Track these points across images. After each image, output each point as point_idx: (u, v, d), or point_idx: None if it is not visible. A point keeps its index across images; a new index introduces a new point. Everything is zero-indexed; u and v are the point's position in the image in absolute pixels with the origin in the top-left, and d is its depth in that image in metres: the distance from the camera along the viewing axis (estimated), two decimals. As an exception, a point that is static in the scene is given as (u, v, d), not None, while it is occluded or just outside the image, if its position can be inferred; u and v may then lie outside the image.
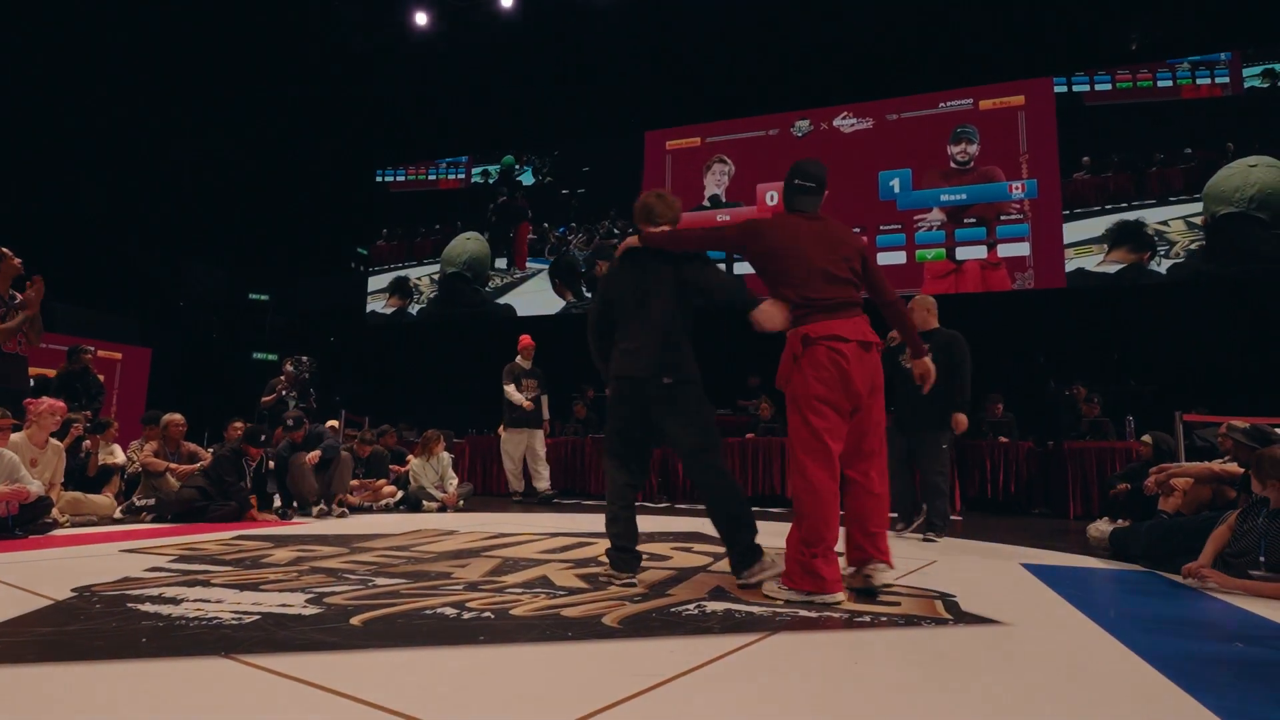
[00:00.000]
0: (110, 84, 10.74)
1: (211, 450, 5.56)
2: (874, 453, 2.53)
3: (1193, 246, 8.49)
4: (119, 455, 5.75)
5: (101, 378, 6.67)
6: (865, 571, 2.47)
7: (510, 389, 7.02)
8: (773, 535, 4.29)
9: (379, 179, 12.83)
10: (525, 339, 7.21)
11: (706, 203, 10.72)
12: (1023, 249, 9.18)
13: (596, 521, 5.07)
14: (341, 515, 5.47)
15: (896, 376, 4.20)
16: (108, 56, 10.51)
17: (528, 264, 11.65)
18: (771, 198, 10.35)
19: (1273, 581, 2.68)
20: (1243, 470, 3.30)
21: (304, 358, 7.51)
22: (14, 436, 4.35)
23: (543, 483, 7.00)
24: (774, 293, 2.63)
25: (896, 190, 9.82)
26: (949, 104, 9.76)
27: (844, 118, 10.20)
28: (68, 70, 10.42)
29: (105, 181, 11.35)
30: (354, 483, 6.11)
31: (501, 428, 7.24)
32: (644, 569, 2.93)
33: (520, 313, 11.46)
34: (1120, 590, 2.86)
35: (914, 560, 3.37)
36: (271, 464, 5.54)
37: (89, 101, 10.71)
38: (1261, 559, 2.77)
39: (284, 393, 7.12)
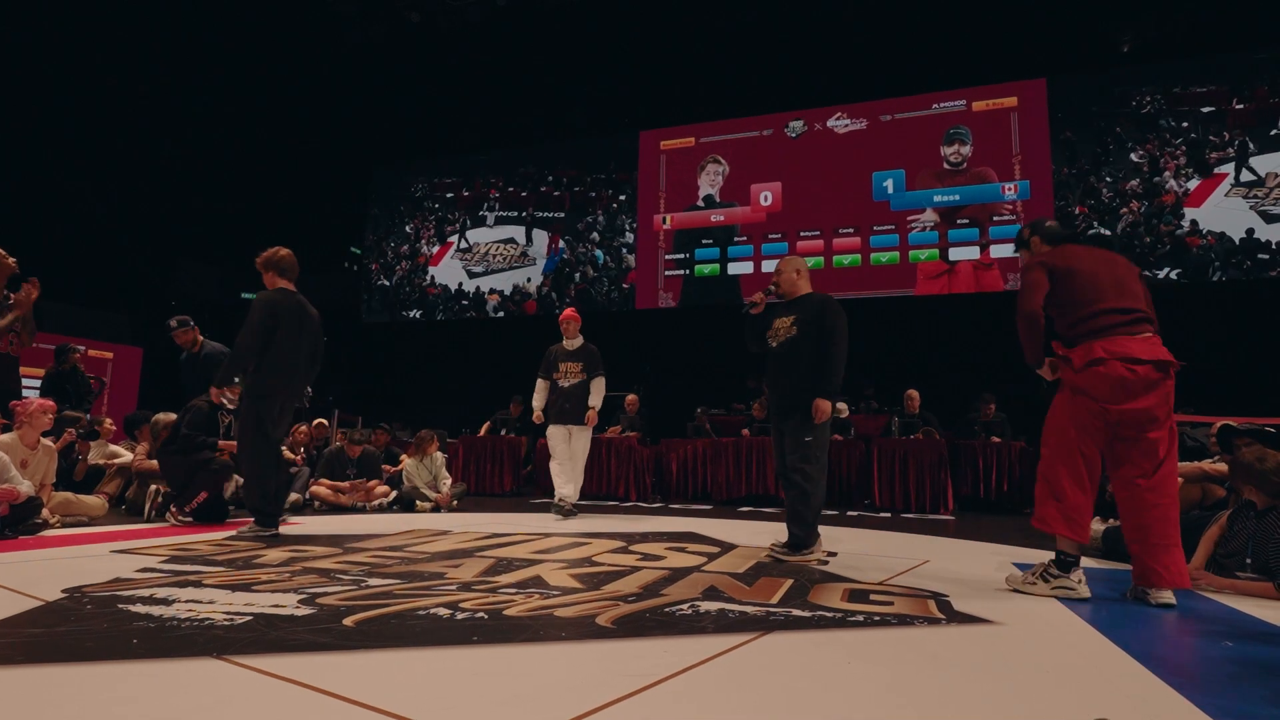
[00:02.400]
0: (103, 81, 10.67)
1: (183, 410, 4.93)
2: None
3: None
4: (125, 455, 5.73)
5: (99, 380, 6.62)
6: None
7: (538, 384, 5.75)
8: (764, 533, 4.30)
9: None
10: (566, 313, 5.88)
11: (700, 202, 10.74)
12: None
13: (591, 522, 5.08)
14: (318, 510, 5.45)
15: (763, 355, 3.76)
16: (100, 53, 10.45)
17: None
18: (765, 198, 10.37)
19: (1260, 581, 2.71)
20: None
21: None
22: (4, 437, 4.32)
23: (565, 488, 5.54)
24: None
25: (890, 191, 9.85)
26: (942, 105, 9.80)
27: (838, 118, 10.23)
28: (60, 68, 10.35)
29: (97, 179, 11.28)
30: (345, 484, 6.10)
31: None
32: (638, 569, 2.95)
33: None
34: (1112, 589, 2.88)
35: (907, 560, 3.38)
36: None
37: (81, 99, 10.64)
38: (1249, 560, 2.80)
39: None
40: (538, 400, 5.73)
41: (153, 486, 4.93)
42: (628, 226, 11.09)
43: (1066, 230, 2.93)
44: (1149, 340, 2.56)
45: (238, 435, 4.32)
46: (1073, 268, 2.67)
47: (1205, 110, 8.72)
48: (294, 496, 5.79)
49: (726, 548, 3.69)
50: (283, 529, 4.42)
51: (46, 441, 4.56)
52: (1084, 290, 2.63)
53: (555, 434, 5.73)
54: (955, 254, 9.47)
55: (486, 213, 12.00)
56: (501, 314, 11.56)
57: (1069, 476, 2.59)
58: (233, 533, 4.07)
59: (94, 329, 10.66)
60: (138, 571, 2.74)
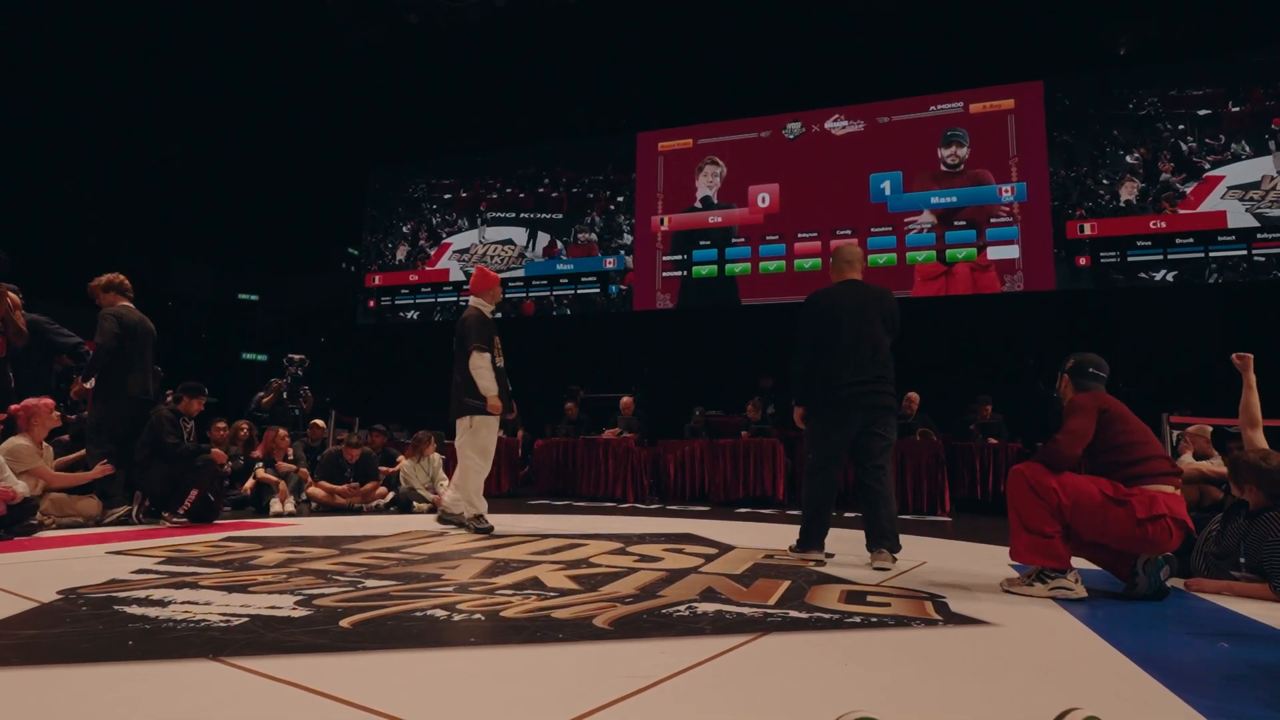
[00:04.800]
0: (99, 81, 10.65)
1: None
2: None
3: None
4: None
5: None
6: None
7: (486, 361, 4.46)
8: (762, 534, 4.31)
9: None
10: (482, 273, 4.85)
11: (698, 204, 10.74)
12: (1012, 251, 9.25)
13: (588, 523, 5.07)
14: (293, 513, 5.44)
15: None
16: (96, 53, 10.43)
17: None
18: (763, 199, 10.38)
19: (1254, 582, 2.72)
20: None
21: (295, 355, 7.54)
22: (17, 439, 4.31)
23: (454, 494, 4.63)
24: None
25: (887, 192, 9.86)
26: (939, 107, 9.82)
27: (835, 120, 10.24)
28: (56, 67, 10.33)
29: (93, 179, 11.26)
30: (343, 487, 6.09)
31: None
32: (635, 570, 2.95)
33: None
34: (1108, 590, 2.88)
35: (904, 561, 3.39)
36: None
37: (78, 98, 10.62)
38: (1242, 560, 2.81)
39: (283, 395, 7.23)
40: (496, 385, 4.47)
41: (137, 492, 4.92)
42: (625, 228, 11.10)
43: (1100, 373, 2.93)
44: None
45: (90, 433, 4.87)
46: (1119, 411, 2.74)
47: (1201, 113, 8.75)
48: (277, 505, 5.76)
49: (724, 549, 3.69)
50: (280, 530, 4.42)
51: (45, 442, 4.55)
52: (1130, 433, 2.69)
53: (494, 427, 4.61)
54: (952, 255, 9.49)
55: (484, 214, 11.99)
56: (499, 315, 11.55)
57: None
58: (230, 534, 4.07)
59: (89, 329, 10.62)
60: (133, 573, 2.73)
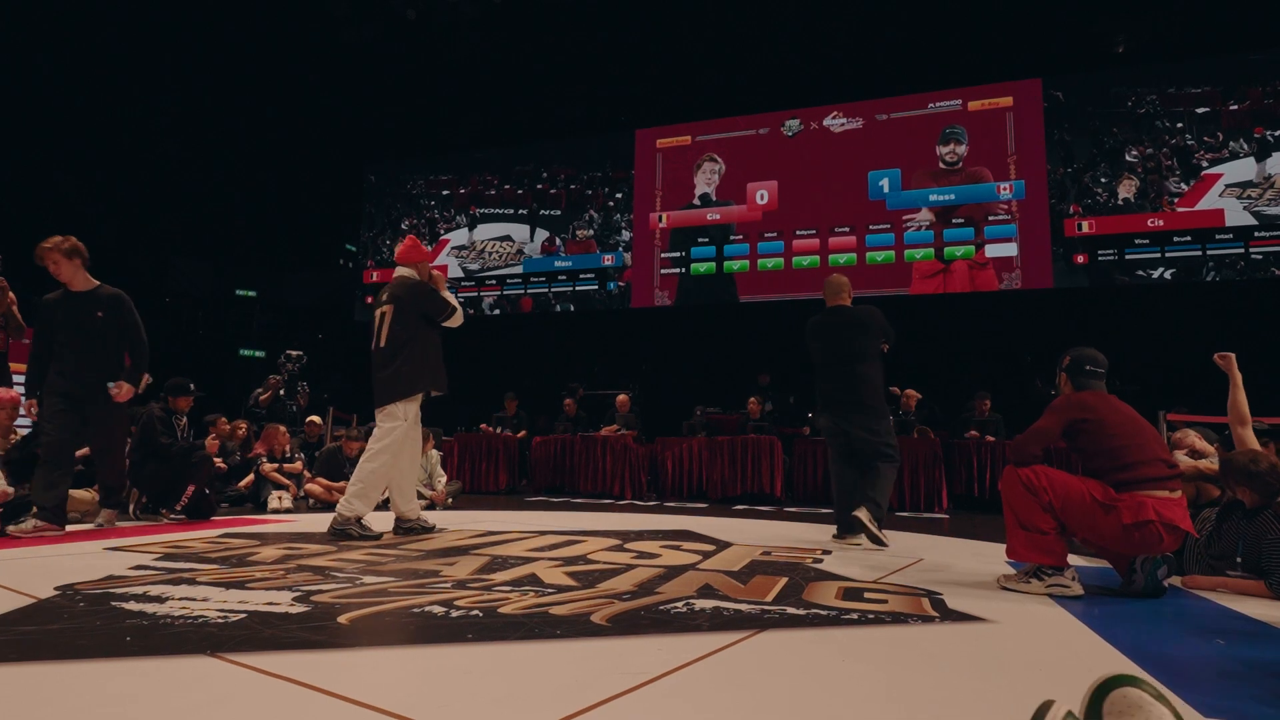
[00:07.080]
0: (96, 77, 10.61)
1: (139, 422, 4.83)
2: None
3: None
4: None
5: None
6: None
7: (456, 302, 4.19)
8: (759, 531, 4.31)
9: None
10: (414, 243, 4.29)
11: (697, 201, 10.73)
12: (1010, 249, 9.26)
13: (586, 520, 5.08)
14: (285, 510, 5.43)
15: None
16: (93, 49, 10.39)
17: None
18: (762, 196, 10.38)
19: (1251, 579, 2.73)
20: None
21: (291, 352, 7.53)
22: None
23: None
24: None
25: (886, 190, 9.87)
26: (938, 105, 9.82)
27: (834, 117, 10.24)
28: (52, 63, 10.28)
29: (90, 175, 11.22)
30: (342, 483, 6.08)
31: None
32: (633, 567, 2.95)
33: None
34: (1105, 588, 2.89)
35: (901, 558, 3.39)
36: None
37: (74, 95, 10.57)
38: (1239, 559, 2.82)
39: (280, 392, 7.23)
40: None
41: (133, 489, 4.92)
42: (624, 224, 11.09)
43: (1098, 369, 2.89)
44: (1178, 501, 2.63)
45: (109, 433, 4.18)
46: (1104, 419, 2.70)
47: (1200, 111, 8.76)
48: (275, 502, 5.76)
49: (722, 546, 3.69)
50: (278, 526, 4.41)
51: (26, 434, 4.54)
52: (1119, 437, 2.65)
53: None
54: (950, 253, 9.49)
55: (479, 211, 11.97)
56: (498, 311, 11.55)
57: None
58: (227, 530, 4.06)
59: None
60: (131, 569, 2.73)
